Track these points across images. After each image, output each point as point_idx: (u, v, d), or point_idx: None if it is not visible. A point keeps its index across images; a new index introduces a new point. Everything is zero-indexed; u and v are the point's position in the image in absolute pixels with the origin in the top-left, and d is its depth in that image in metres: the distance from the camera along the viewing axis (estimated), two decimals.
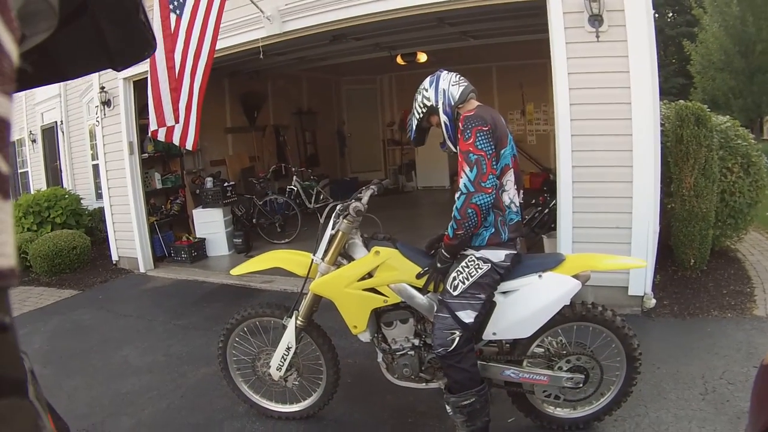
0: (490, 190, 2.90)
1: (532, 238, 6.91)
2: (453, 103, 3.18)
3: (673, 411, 3.67)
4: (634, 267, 4.73)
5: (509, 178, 3.14)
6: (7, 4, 0.43)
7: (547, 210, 6.83)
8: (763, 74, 22.66)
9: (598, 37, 5.14)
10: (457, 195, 2.97)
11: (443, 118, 3.19)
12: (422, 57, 10.74)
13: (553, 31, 5.33)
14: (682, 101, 6.24)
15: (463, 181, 2.93)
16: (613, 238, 5.30)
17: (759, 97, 23.10)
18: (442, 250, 3.14)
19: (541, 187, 9.36)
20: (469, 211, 2.90)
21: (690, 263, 6.02)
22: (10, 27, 0.44)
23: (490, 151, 2.91)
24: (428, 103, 3.21)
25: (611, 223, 5.34)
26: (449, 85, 3.20)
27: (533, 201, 7.26)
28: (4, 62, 0.43)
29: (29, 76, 0.78)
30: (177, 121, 5.58)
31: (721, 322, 5.08)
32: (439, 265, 3.17)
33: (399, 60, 10.75)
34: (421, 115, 3.27)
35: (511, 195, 3.17)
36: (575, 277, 3.19)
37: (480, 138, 2.90)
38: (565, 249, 5.36)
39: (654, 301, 5.39)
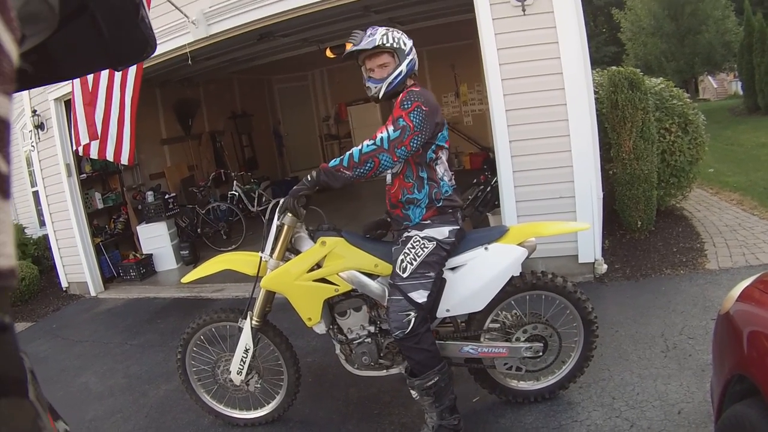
0: (396, 159, 2.96)
1: (477, 217, 6.92)
2: (413, 68, 3.19)
3: (636, 371, 3.71)
4: (579, 230, 4.80)
5: (442, 155, 3.21)
6: (7, 4, 0.44)
7: (489, 188, 6.84)
8: (693, 35, 23.34)
9: (524, 10, 5.17)
10: (367, 141, 2.97)
11: (403, 68, 3.11)
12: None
13: (479, 8, 5.34)
14: (614, 67, 6.32)
15: (382, 135, 2.95)
16: (557, 208, 5.35)
17: (691, 58, 23.81)
18: (314, 172, 3.07)
19: (481, 166, 9.40)
20: (370, 161, 2.94)
21: (637, 225, 6.12)
22: (10, 27, 0.44)
23: (418, 128, 2.94)
24: (405, 47, 3.12)
25: (554, 193, 5.38)
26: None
27: (474, 180, 7.28)
28: (4, 62, 0.43)
29: (29, 76, 0.82)
30: (94, 138, 5.43)
31: (675, 280, 5.17)
32: (302, 185, 3.11)
33: (328, 53, 10.63)
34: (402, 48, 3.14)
35: (445, 168, 3.23)
36: (521, 245, 3.22)
37: (417, 113, 2.94)
38: (510, 224, 5.34)
39: (605, 266, 5.47)
